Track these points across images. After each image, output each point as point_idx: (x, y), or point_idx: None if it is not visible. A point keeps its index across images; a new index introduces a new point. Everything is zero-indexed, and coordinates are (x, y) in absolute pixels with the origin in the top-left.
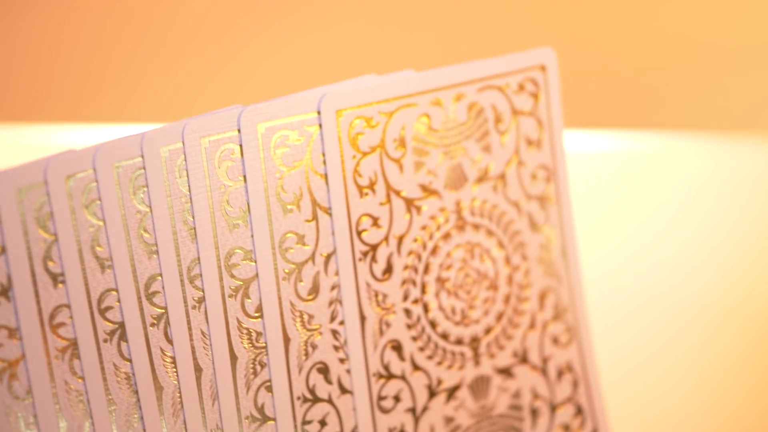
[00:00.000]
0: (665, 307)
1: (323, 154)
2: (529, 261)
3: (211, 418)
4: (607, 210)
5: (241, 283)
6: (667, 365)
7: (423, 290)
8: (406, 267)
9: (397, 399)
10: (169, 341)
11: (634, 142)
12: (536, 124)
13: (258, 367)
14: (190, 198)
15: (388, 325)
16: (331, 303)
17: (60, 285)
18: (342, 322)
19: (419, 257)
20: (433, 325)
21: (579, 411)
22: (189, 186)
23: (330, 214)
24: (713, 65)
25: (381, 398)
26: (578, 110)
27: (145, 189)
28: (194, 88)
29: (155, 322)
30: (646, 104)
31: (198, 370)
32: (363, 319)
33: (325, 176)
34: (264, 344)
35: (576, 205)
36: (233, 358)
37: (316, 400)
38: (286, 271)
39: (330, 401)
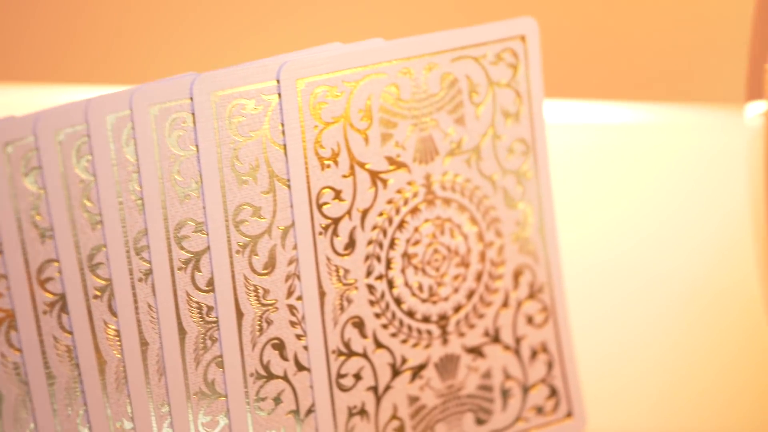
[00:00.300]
0: (649, 287)
1: (282, 124)
2: (503, 238)
3: (157, 393)
4: (591, 185)
5: (192, 255)
6: (649, 349)
7: (388, 266)
8: (370, 242)
9: (357, 377)
10: (114, 314)
11: (621, 115)
12: (514, 96)
13: (209, 342)
14: (138, 167)
15: (349, 301)
16: (288, 277)
17: None
18: (300, 298)
19: (384, 232)
20: (398, 302)
21: (553, 393)
22: (137, 155)
23: (289, 186)
24: (708, 36)
25: (340, 376)
26: (564, 79)
27: (89, 157)
28: (145, 54)
29: (99, 294)
30: (635, 75)
31: (144, 344)
32: (322, 294)
33: (284, 147)
34: (215, 318)
35: (557, 180)
36: (182, 332)
37: (271, 376)
38: (240, 244)
39: (285, 378)
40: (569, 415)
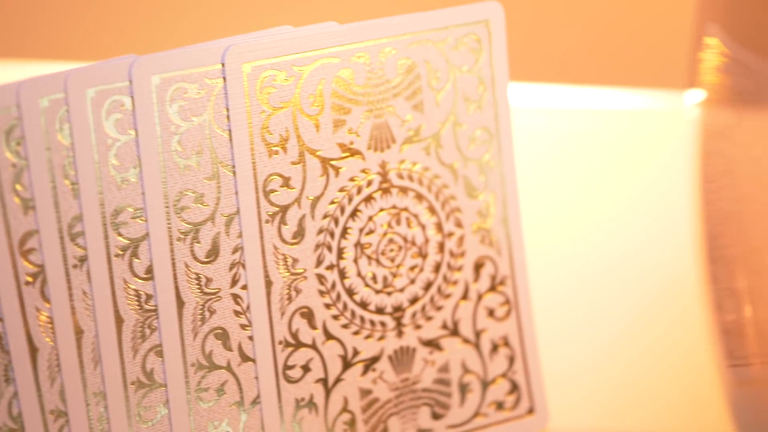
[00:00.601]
0: (618, 280)
1: (227, 109)
2: (464, 228)
3: (92, 382)
4: (561, 172)
5: (129, 242)
6: (616, 345)
7: (340, 256)
8: (320, 230)
9: (306, 369)
10: (46, 300)
11: (591, 100)
12: (477, 83)
13: (147, 331)
14: (73, 151)
15: (297, 291)
16: (232, 266)
17: None
18: (245, 287)
19: (336, 221)
20: (350, 292)
21: (514, 388)
22: (71, 139)
23: (234, 173)
24: (680, 20)
25: (288, 367)
26: (530, 63)
27: (21, 141)
28: (83, 35)
29: (30, 280)
30: (605, 60)
31: (79, 332)
32: (269, 283)
33: (229, 132)
34: (154, 307)
35: (524, 167)
36: (119, 320)
37: (213, 367)
38: (182, 231)
39: (229, 368)
40: (531, 411)
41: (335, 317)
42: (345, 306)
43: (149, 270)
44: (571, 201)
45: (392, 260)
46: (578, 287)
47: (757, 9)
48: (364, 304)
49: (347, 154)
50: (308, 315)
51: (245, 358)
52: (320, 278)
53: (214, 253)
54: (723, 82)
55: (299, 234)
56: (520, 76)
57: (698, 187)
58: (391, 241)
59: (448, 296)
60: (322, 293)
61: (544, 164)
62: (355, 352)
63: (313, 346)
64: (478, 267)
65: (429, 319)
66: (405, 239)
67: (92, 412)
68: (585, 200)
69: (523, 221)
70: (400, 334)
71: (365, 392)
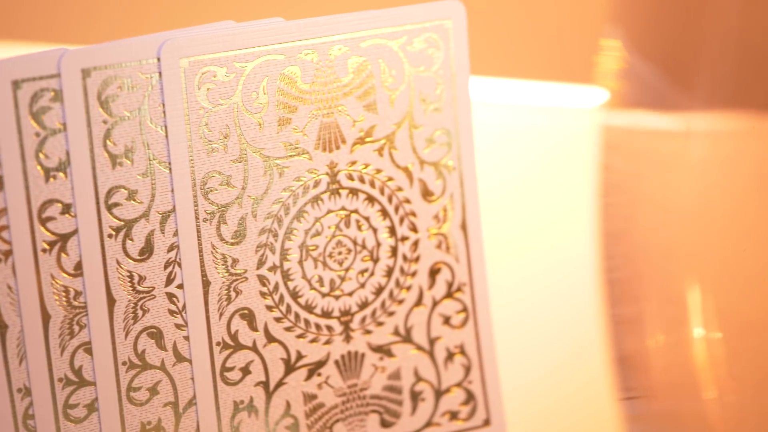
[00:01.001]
0: (583, 288)
1: (163, 104)
2: (419, 233)
3: (17, 377)
4: (521, 172)
5: (57, 237)
6: (579, 356)
7: (284, 257)
8: (263, 231)
9: (245, 371)
10: None
11: (556, 96)
12: (435, 83)
13: (76, 328)
14: None
15: (237, 292)
16: (167, 265)
17: None
18: (180, 286)
19: (280, 221)
20: (294, 295)
21: (470, 398)
22: None
23: (170, 170)
24: None
25: (226, 369)
26: (491, 57)
27: None
28: (13, 23)
29: None
30: (575, 56)
31: (3, 326)
32: (206, 283)
33: (165, 128)
34: (83, 303)
35: (486, 166)
36: (46, 316)
37: (146, 366)
38: (113, 227)
39: (163, 368)
40: (487, 422)
41: (278, 320)
42: (288, 308)
43: (78, 266)
44: (534, 204)
45: (340, 263)
46: (540, 296)
47: (656, 18)
48: (309, 308)
49: (293, 153)
50: (249, 316)
51: (180, 358)
52: (262, 279)
53: (148, 250)
54: (621, 90)
55: (240, 234)
56: (480, 70)
57: (596, 201)
58: (339, 243)
59: (400, 302)
60: (263, 295)
61: (505, 165)
62: (299, 356)
63: (254, 349)
64: (433, 273)
65: (380, 324)
66: (354, 242)
67: (17, 408)
68: (550, 203)
69: (484, 226)
70: (348, 338)
71: (310, 397)
